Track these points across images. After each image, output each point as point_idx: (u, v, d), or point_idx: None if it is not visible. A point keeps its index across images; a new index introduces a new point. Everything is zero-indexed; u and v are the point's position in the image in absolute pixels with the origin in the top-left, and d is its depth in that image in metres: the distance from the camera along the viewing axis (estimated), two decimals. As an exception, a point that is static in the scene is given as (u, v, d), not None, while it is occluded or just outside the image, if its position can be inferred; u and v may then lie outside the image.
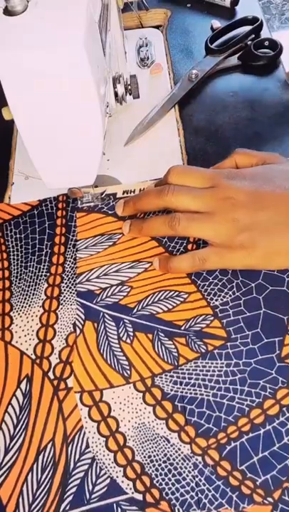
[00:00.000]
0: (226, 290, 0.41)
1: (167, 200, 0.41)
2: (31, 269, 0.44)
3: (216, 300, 0.40)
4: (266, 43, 0.59)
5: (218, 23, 0.63)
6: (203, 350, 0.38)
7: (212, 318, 0.40)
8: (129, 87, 0.43)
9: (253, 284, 0.41)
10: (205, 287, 0.41)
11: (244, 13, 0.63)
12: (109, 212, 0.47)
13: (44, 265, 0.44)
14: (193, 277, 0.42)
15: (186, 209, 0.40)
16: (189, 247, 0.44)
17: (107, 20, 0.43)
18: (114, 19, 0.50)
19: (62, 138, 0.37)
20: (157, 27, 0.67)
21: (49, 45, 0.31)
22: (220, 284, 0.41)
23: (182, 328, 0.39)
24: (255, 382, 0.36)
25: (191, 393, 0.36)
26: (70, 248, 0.45)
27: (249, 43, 0.60)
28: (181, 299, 0.41)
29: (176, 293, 0.41)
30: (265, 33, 0.61)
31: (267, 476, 0.32)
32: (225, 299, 0.40)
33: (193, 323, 0.40)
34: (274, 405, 0.35)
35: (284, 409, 0.35)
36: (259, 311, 0.39)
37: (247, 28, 0.61)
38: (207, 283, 0.41)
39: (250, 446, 0.34)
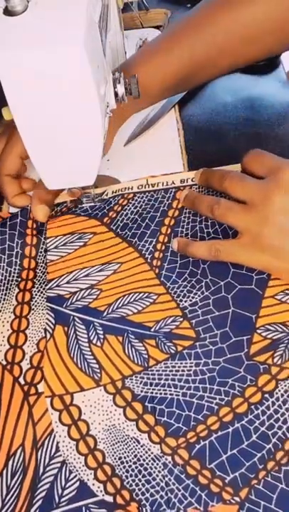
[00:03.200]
0: (194, 291, 0.41)
1: (224, 186, 0.41)
2: (2, 271, 0.44)
3: (185, 301, 0.41)
4: None
5: None
6: (172, 351, 0.38)
7: (181, 319, 0.40)
8: (129, 87, 0.43)
9: (222, 283, 0.41)
10: (174, 289, 0.42)
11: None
12: (82, 214, 0.47)
13: (15, 269, 0.44)
14: (162, 279, 0.42)
15: (237, 197, 0.40)
16: (158, 246, 0.44)
17: (107, 20, 0.44)
18: (114, 19, 0.50)
19: (63, 138, 0.37)
20: (157, 27, 0.67)
21: (49, 45, 0.31)
22: (189, 285, 0.42)
23: (152, 329, 0.40)
24: (224, 381, 0.36)
25: (161, 393, 0.36)
26: (41, 252, 0.45)
27: None
28: (151, 300, 0.41)
29: (146, 294, 0.42)
30: None
31: (235, 474, 0.33)
32: (194, 300, 0.41)
33: (163, 325, 0.40)
34: (242, 403, 0.35)
35: (252, 407, 0.35)
36: (228, 310, 0.40)
37: None
38: (176, 285, 0.42)
39: (219, 444, 0.34)
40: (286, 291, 0.40)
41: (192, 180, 0.48)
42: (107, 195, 0.48)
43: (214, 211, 0.41)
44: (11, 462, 0.35)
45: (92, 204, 0.47)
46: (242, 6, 0.46)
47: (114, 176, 0.51)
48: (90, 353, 0.39)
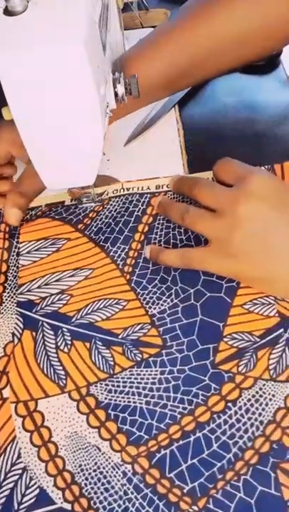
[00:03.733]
0: (164, 298, 0.41)
1: (193, 194, 0.42)
2: None
3: (154, 308, 0.41)
4: None
5: None
6: (138, 359, 0.38)
7: (149, 326, 0.40)
8: (129, 87, 0.43)
9: (191, 291, 0.41)
10: (144, 295, 0.42)
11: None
12: (57, 217, 0.47)
13: None
14: (132, 285, 0.42)
15: (206, 205, 0.41)
16: (131, 253, 0.44)
17: (107, 20, 0.44)
18: (114, 19, 0.50)
19: (62, 138, 0.37)
20: None
21: (49, 45, 0.31)
22: (159, 292, 0.41)
23: (120, 336, 0.40)
24: (188, 390, 0.36)
25: (124, 401, 0.36)
26: (13, 256, 0.45)
27: None
28: (120, 307, 0.41)
29: (116, 301, 0.41)
30: None
31: (194, 483, 0.33)
32: (163, 307, 0.41)
33: (130, 332, 0.40)
34: (205, 412, 0.35)
35: (215, 416, 0.35)
36: (196, 318, 0.40)
37: None
38: (146, 291, 0.42)
39: (179, 453, 0.34)
40: (254, 301, 0.40)
41: (167, 187, 0.48)
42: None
43: (184, 219, 0.41)
44: (-29, 468, 0.34)
45: (92, 204, 0.47)
46: (224, 9, 0.46)
47: (114, 176, 0.51)
48: (56, 359, 0.39)
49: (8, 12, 0.33)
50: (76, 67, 0.32)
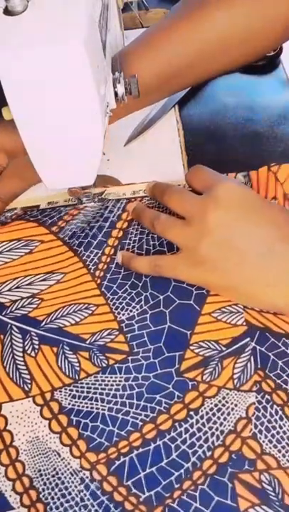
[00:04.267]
0: (133, 304, 0.41)
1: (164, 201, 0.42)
2: None
3: (123, 314, 0.41)
4: None
5: None
6: (104, 365, 0.38)
7: (117, 332, 0.40)
8: (129, 87, 0.43)
9: (161, 297, 0.41)
10: (114, 301, 0.41)
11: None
12: (31, 219, 0.47)
13: None
14: (103, 289, 0.42)
15: (176, 212, 0.41)
16: (103, 258, 0.44)
17: (107, 20, 0.44)
18: (114, 19, 0.50)
19: (62, 138, 0.37)
20: None
21: (49, 45, 0.31)
22: (128, 297, 0.41)
23: (87, 341, 0.40)
24: (151, 397, 0.36)
25: (87, 407, 0.36)
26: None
27: None
28: (90, 312, 0.41)
29: (85, 305, 0.42)
30: None
31: (151, 492, 0.33)
32: (132, 313, 0.41)
33: (98, 338, 0.40)
34: (167, 420, 0.35)
35: (176, 424, 0.35)
36: (164, 325, 0.40)
37: None
38: (116, 296, 0.42)
39: (138, 461, 0.34)
40: (223, 309, 0.40)
41: (144, 192, 0.48)
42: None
43: (155, 226, 0.41)
44: None
45: (94, 204, 0.47)
46: (218, 10, 0.46)
47: (114, 176, 0.51)
48: (23, 363, 0.39)
49: (8, 12, 0.33)
50: (76, 67, 0.32)
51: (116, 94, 0.42)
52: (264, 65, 0.58)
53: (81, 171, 0.41)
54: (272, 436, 0.34)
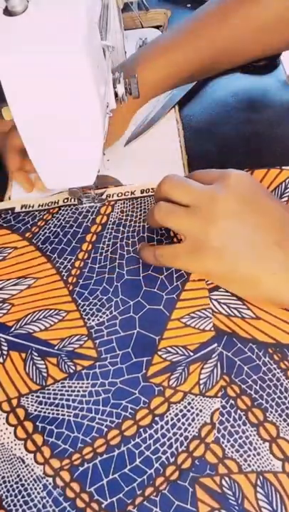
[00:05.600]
0: (103, 310, 0.41)
1: (163, 190, 0.41)
2: None
3: (93, 320, 0.41)
4: None
5: None
6: (71, 371, 0.38)
7: (86, 338, 0.40)
8: (129, 87, 0.43)
9: (131, 303, 0.41)
10: (84, 307, 0.42)
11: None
12: (5, 225, 0.47)
13: None
14: (74, 296, 0.42)
15: (178, 200, 0.40)
16: (77, 264, 0.44)
17: (107, 20, 0.44)
18: (114, 19, 0.50)
19: (63, 138, 0.37)
20: (157, 27, 0.68)
21: (49, 45, 0.31)
22: (99, 303, 0.42)
23: (56, 347, 0.40)
24: (117, 403, 0.36)
25: (53, 413, 0.36)
26: None
27: None
28: (60, 317, 0.41)
29: (56, 311, 0.42)
30: None
31: (113, 498, 0.33)
32: (101, 319, 0.41)
33: (67, 343, 0.40)
34: (132, 426, 0.35)
35: (141, 430, 0.35)
36: (133, 331, 0.40)
37: None
38: (87, 302, 0.42)
39: (102, 467, 0.34)
40: (192, 314, 0.40)
41: (118, 196, 0.48)
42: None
43: (155, 215, 0.40)
44: None
45: (92, 204, 0.47)
46: (247, 6, 0.48)
47: (114, 176, 0.51)
48: (-8, 370, 0.39)
49: (8, 12, 0.33)
50: (76, 67, 0.32)
51: (116, 94, 0.43)
52: (264, 65, 0.58)
53: (81, 171, 0.41)
54: (235, 440, 0.34)
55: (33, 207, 0.49)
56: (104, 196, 0.48)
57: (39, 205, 0.49)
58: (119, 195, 0.49)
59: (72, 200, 0.49)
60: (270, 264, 0.37)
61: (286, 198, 0.46)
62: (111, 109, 0.42)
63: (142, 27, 0.67)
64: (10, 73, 0.32)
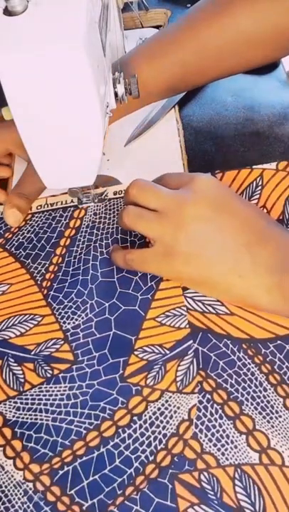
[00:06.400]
0: (79, 312, 0.41)
1: (131, 195, 0.41)
2: None
3: (68, 323, 0.41)
4: None
5: None
6: (48, 375, 0.38)
7: (62, 342, 0.40)
8: (129, 87, 0.43)
9: (106, 304, 0.41)
10: (59, 310, 0.42)
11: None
12: None
13: None
14: (49, 300, 0.42)
15: (145, 205, 0.40)
16: (51, 268, 0.44)
17: (107, 20, 0.44)
18: (114, 19, 0.50)
19: (62, 138, 0.37)
20: (157, 27, 0.68)
21: (49, 45, 0.31)
22: (74, 306, 0.42)
23: (32, 352, 0.40)
24: (95, 405, 0.37)
25: (31, 419, 0.36)
26: None
27: None
28: (35, 322, 0.41)
29: (31, 316, 0.42)
30: None
31: (94, 500, 0.33)
32: (77, 322, 0.41)
33: (43, 348, 0.40)
34: (111, 427, 0.36)
35: (120, 430, 0.35)
36: (109, 332, 0.40)
37: None
38: (62, 306, 0.42)
39: (82, 470, 0.34)
40: (167, 313, 0.40)
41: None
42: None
43: (124, 218, 0.41)
44: None
45: (92, 204, 0.47)
46: (236, 11, 0.47)
47: (114, 176, 0.51)
48: None
49: (8, 12, 0.33)
50: (76, 67, 0.32)
51: (116, 94, 0.43)
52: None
53: (81, 171, 0.41)
54: (212, 435, 0.35)
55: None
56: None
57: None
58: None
59: (46, 206, 0.49)
60: (239, 267, 0.38)
61: (257, 196, 0.46)
62: (111, 109, 0.42)
63: (142, 27, 0.67)
64: (10, 73, 0.32)
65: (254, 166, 0.48)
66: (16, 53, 0.31)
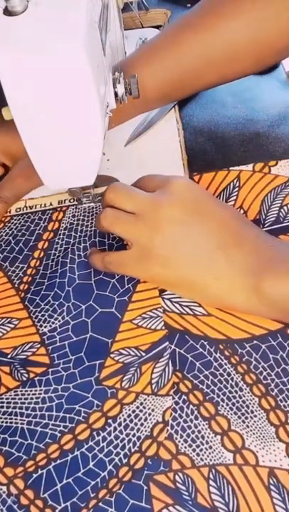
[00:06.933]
0: (55, 315, 0.41)
1: (109, 198, 0.41)
2: None
3: (45, 327, 0.41)
4: None
5: None
6: (24, 379, 0.38)
7: (39, 345, 0.40)
8: (129, 87, 0.43)
9: (83, 307, 0.41)
10: (36, 313, 0.42)
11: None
12: None
13: None
14: (26, 303, 0.42)
15: (122, 208, 0.40)
16: (29, 271, 0.44)
17: (107, 20, 0.44)
18: (114, 19, 0.50)
19: (62, 138, 0.37)
20: (157, 27, 0.68)
21: (49, 45, 0.31)
22: (51, 309, 0.42)
23: (9, 356, 0.40)
24: (70, 408, 0.36)
25: (7, 422, 0.36)
26: None
27: None
28: (12, 326, 0.41)
29: (8, 320, 0.42)
30: None
31: (67, 503, 0.33)
32: (54, 325, 0.41)
33: (20, 351, 0.40)
34: (85, 430, 0.35)
35: (94, 433, 0.35)
36: (86, 335, 0.40)
37: None
38: (38, 309, 0.42)
39: (56, 473, 0.34)
40: (143, 315, 0.40)
41: (70, 201, 0.49)
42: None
43: (101, 221, 0.41)
44: None
45: (92, 204, 0.47)
46: (229, 18, 0.46)
47: (114, 176, 0.51)
48: None
49: (8, 12, 0.33)
50: (76, 67, 0.32)
51: (116, 94, 0.43)
52: None
53: (81, 171, 0.41)
54: (188, 435, 0.34)
55: None
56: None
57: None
58: (72, 200, 0.49)
59: (25, 209, 0.49)
60: (214, 269, 0.38)
61: (234, 197, 0.47)
62: (111, 109, 0.42)
63: (142, 27, 0.67)
64: (10, 73, 0.32)
65: (231, 168, 0.48)
66: (16, 53, 0.31)
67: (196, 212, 0.39)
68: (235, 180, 0.48)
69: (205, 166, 0.48)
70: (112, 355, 0.39)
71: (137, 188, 0.41)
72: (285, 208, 0.45)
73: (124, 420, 0.36)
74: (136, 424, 0.35)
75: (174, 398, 0.36)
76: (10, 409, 0.37)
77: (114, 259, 0.41)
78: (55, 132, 0.36)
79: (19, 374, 0.38)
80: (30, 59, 0.31)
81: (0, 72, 0.32)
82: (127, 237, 0.40)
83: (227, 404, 0.36)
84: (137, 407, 0.36)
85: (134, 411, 0.36)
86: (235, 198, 0.46)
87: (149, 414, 0.36)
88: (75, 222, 0.47)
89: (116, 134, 0.54)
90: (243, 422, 0.35)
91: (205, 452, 0.34)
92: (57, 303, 0.42)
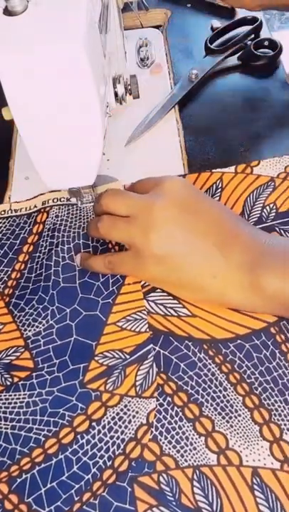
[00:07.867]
0: (40, 319, 0.41)
1: (104, 204, 0.41)
2: None
3: (29, 331, 0.41)
4: (266, 43, 0.60)
5: (218, 23, 0.64)
6: (8, 383, 0.38)
7: (23, 350, 0.40)
8: (129, 87, 0.43)
9: (67, 310, 0.41)
10: (21, 317, 0.42)
11: (244, 13, 0.62)
12: None
13: None
14: (11, 307, 0.42)
15: (117, 213, 0.40)
16: (13, 275, 0.44)
17: (107, 20, 0.44)
18: (114, 19, 0.50)
19: (63, 138, 0.36)
20: (157, 27, 0.68)
21: (49, 45, 0.31)
22: (35, 313, 0.42)
23: (-7, 361, 0.39)
24: (54, 411, 0.36)
25: (-10, 427, 0.36)
26: None
27: (249, 43, 0.60)
28: (-4, 331, 0.41)
29: (-8, 325, 0.41)
30: (265, 33, 0.62)
31: (51, 507, 0.33)
32: (38, 329, 0.41)
33: (4, 356, 0.40)
34: (69, 433, 0.35)
35: (78, 436, 0.35)
36: (70, 338, 0.40)
37: (247, 28, 0.61)
38: (23, 313, 0.42)
39: (40, 477, 0.34)
40: (128, 317, 0.40)
41: (53, 201, 0.49)
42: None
43: (100, 229, 0.41)
44: None
45: (92, 204, 0.47)
46: None
47: (114, 176, 0.51)
48: None
49: (8, 12, 0.33)
50: (76, 67, 0.32)
51: (116, 94, 0.43)
52: (264, 64, 0.59)
53: (81, 171, 0.41)
54: (172, 437, 0.34)
55: None
56: None
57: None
58: (55, 200, 0.49)
59: (9, 212, 0.49)
60: (211, 267, 0.38)
61: (217, 198, 0.47)
62: (111, 109, 0.42)
63: (142, 27, 0.67)
64: (10, 73, 0.32)
65: (213, 170, 0.48)
66: (16, 53, 0.31)
67: (190, 211, 0.39)
68: (218, 182, 0.48)
69: (205, 166, 0.48)
70: (96, 358, 0.39)
71: (131, 192, 0.41)
72: (268, 207, 0.45)
73: (109, 423, 0.36)
74: (120, 426, 0.35)
75: (158, 400, 0.36)
76: (-6, 415, 0.37)
77: (115, 259, 0.41)
78: (55, 132, 0.36)
79: (3, 378, 0.38)
80: (31, 59, 0.31)
81: (0, 72, 0.32)
82: (122, 241, 0.41)
83: (211, 405, 0.36)
84: (121, 410, 0.36)
85: (118, 413, 0.36)
86: (218, 198, 0.47)
87: (134, 417, 0.36)
88: (58, 222, 0.47)
89: (116, 134, 0.54)
90: (227, 421, 0.35)
91: (189, 453, 0.34)
92: (41, 306, 0.42)
